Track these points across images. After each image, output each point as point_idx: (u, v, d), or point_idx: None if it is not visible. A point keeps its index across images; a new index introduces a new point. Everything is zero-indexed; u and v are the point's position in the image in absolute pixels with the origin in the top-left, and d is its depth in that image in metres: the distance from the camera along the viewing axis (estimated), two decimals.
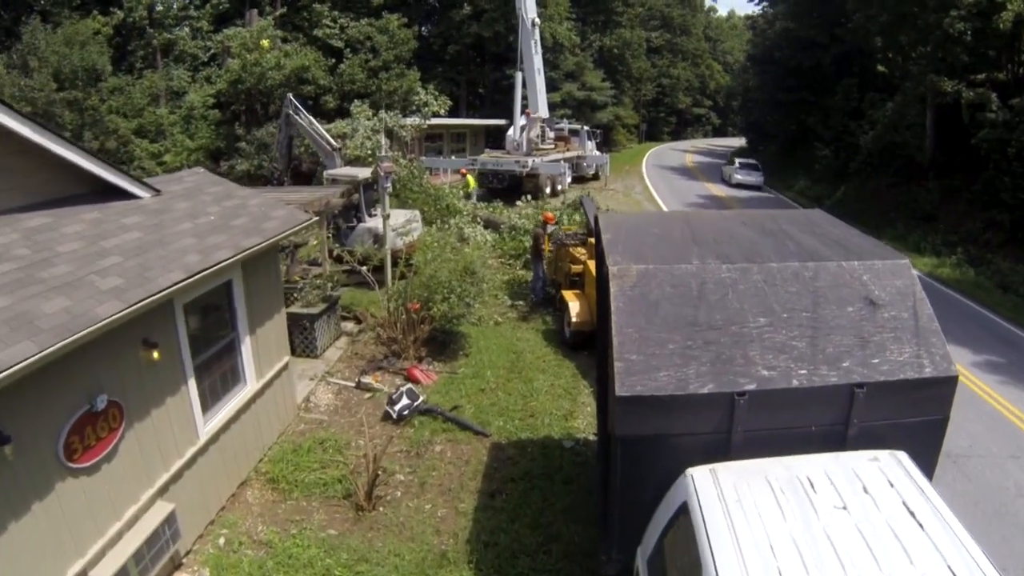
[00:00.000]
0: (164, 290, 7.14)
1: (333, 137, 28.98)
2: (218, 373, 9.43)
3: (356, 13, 45.18)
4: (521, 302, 17.20)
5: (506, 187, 33.14)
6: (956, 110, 30.94)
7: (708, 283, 6.13)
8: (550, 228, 17.29)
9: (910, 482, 5.35)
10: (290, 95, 19.64)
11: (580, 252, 15.87)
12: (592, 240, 14.77)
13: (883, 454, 5.68)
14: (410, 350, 13.65)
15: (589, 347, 14.06)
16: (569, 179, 34.89)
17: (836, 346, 5.88)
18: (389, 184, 14.75)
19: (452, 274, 13.46)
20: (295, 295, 15.22)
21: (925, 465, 5.82)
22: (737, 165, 46.84)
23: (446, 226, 24.05)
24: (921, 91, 32.47)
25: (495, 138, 45.80)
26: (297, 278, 16.44)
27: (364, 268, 14.67)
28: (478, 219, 24.58)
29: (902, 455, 5.68)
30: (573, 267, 15.72)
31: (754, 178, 44.54)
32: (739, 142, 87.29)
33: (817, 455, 5.63)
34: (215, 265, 8.03)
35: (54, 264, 6.85)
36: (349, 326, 15.63)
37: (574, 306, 14.29)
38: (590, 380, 12.93)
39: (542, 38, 39.77)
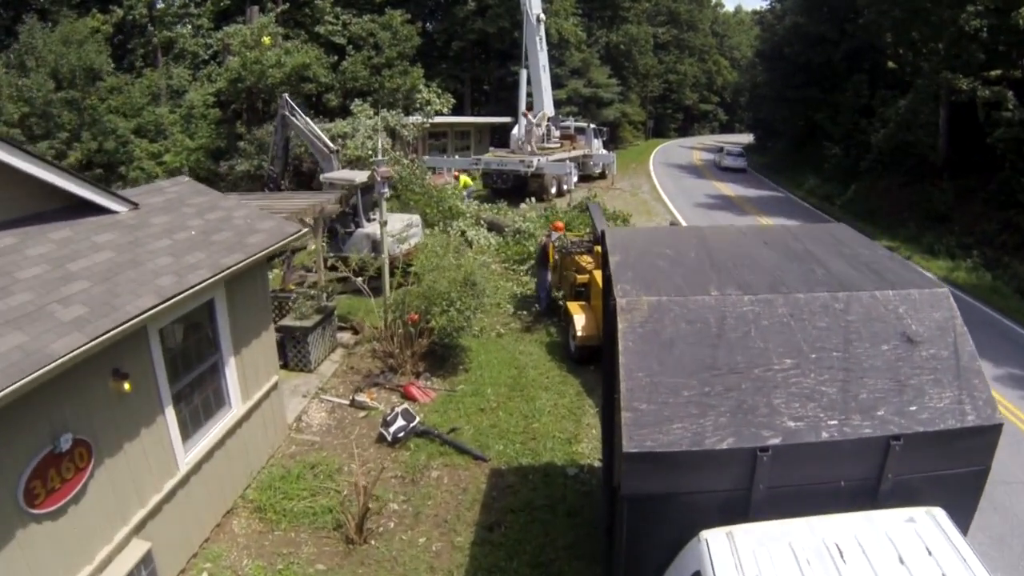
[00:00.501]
0: (131, 319, 6.60)
1: (332, 138, 28.46)
2: (200, 398, 8.89)
3: (359, 9, 44.52)
4: (525, 312, 16.58)
5: (511, 187, 32.50)
6: (970, 108, 30.25)
7: (728, 318, 5.54)
8: (555, 236, 16.55)
9: (950, 548, 4.77)
10: (286, 95, 19.00)
11: (586, 261, 15.21)
12: (599, 249, 14.17)
13: (919, 513, 5.10)
14: (407, 365, 13.09)
15: (595, 361, 13.47)
16: (575, 178, 34.14)
17: (870, 391, 5.29)
18: (386, 190, 14.13)
19: (452, 285, 12.86)
20: (289, 304, 14.69)
21: (961, 519, 5.29)
22: (725, 152, 58.09)
23: (448, 228, 23.59)
24: (934, 89, 31.79)
25: (501, 136, 45.13)
26: (292, 287, 15.89)
27: (360, 279, 14.08)
28: (481, 221, 24.03)
29: (939, 513, 5.10)
30: (578, 277, 15.03)
31: (740, 163, 55.27)
32: (746, 138, 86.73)
33: (847, 515, 5.05)
34: (190, 288, 7.48)
35: (13, 293, 6.30)
36: (345, 337, 15.08)
37: (579, 319, 13.65)
38: (595, 398, 12.35)
39: (547, 34, 39.15)
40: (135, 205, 8.83)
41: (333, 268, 17.73)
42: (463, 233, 22.84)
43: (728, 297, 5.68)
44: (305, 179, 29.68)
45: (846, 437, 5.06)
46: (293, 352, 13.38)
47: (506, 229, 23.10)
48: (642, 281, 5.95)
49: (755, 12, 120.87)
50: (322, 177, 18.11)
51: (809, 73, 48.95)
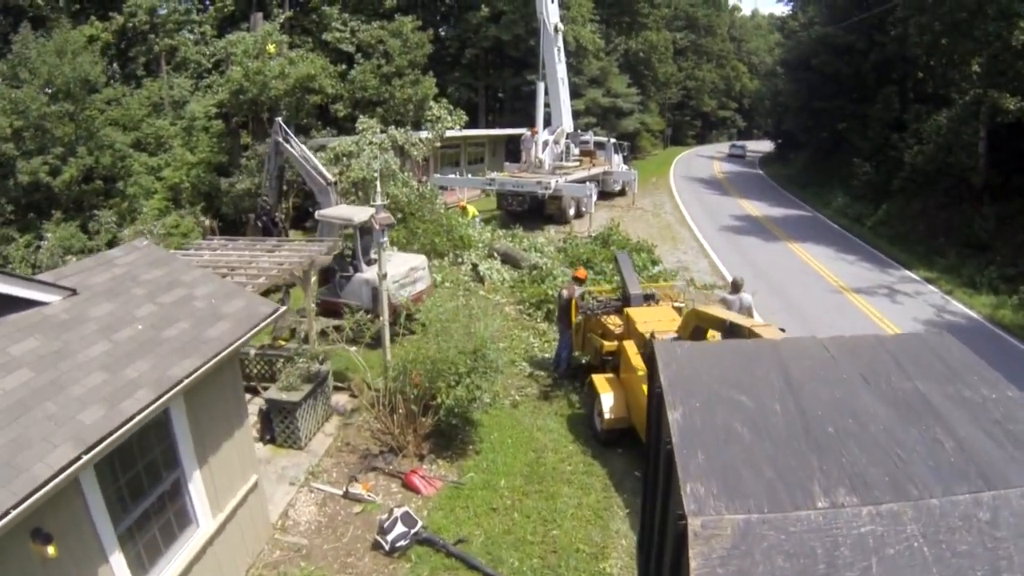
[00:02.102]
0: (37, 490, 5.04)
1: (336, 157, 26.89)
2: (157, 526, 7.36)
3: (367, 15, 42.85)
4: (542, 373, 14.86)
5: (527, 210, 30.81)
6: (1012, 128, 28.51)
7: (842, 547, 3.90)
8: (578, 291, 14.61)
9: None
10: (279, 120, 17.29)
11: (614, 323, 13.36)
12: (631, 313, 12.49)
13: None
14: (410, 446, 11.52)
15: (624, 443, 11.86)
16: (595, 198, 32.00)
17: None
18: (386, 238, 12.53)
19: (461, 356, 11.24)
20: (280, 364, 13.16)
21: None
22: (731, 145, 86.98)
23: (459, 259, 22.04)
24: (976, 107, 30.05)
25: (517, 148, 43.34)
26: (282, 342, 14.38)
27: (354, 349, 12.44)
28: (494, 253, 22.45)
29: None
30: (605, 344, 13.10)
31: (739, 151, 79.87)
32: (766, 146, 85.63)
33: None
34: (122, 426, 5.93)
35: None
36: (342, 401, 13.48)
37: (607, 399, 11.83)
38: (624, 494, 10.71)
39: (565, 42, 37.26)
40: (71, 292, 7.29)
41: (329, 313, 16.28)
42: (475, 267, 21.31)
43: (841, 512, 4.03)
44: (311, 200, 28.22)
45: None
46: (281, 427, 11.83)
47: (522, 263, 21.46)
48: (719, 475, 4.31)
49: (774, 17, 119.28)
50: (318, 214, 16.53)
51: (837, 84, 47.04)
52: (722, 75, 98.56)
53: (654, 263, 23.04)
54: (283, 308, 9.24)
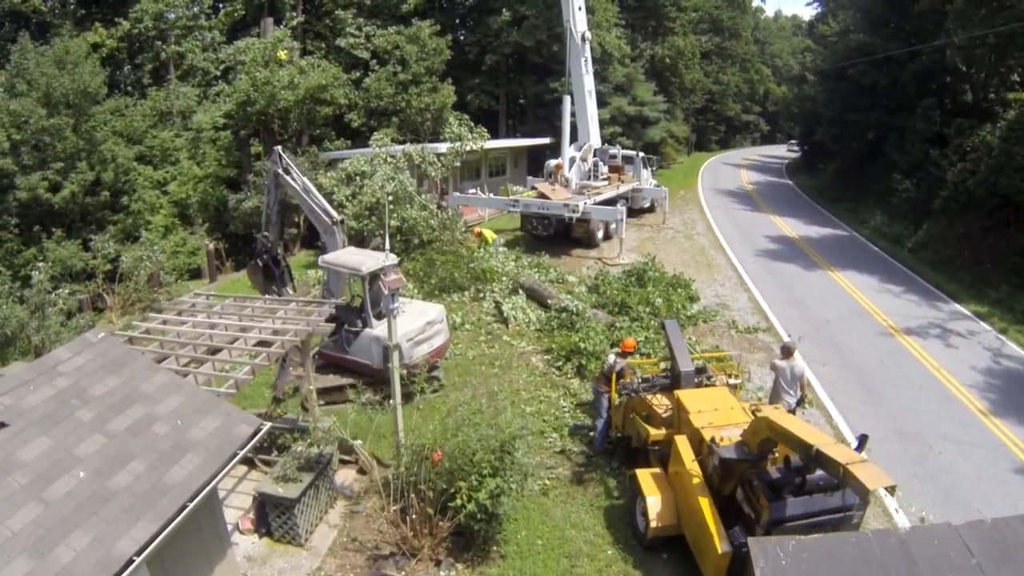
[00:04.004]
0: None
1: (349, 177, 25.33)
2: None
3: (383, 20, 41.04)
4: (574, 448, 13.12)
5: (552, 233, 28.99)
6: None
7: None
8: (618, 364, 12.68)
9: None
10: (278, 148, 15.54)
11: (660, 404, 11.55)
12: (682, 398, 10.74)
13: None
14: (425, 549, 9.91)
15: (670, 548, 10.17)
16: (625, 220, 29.54)
17: None
18: (397, 304, 10.88)
19: (485, 451, 9.62)
20: (280, 442, 11.66)
21: None
22: (788, 144, 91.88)
23: (481, 295, 20.43)
24: None
25: (539, 160, 41.36)
26: (281, 412, 12.79)
27: (359, 442, 10.79)
28: (519, 289, 20.79)
29: None
30: (651, 432, 10.95)
31: (796, 151, 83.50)
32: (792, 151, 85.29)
33: None
34: None
35: None
36: (348, 479, 11.87)
37: (653, 502, 10.03)
38: None
39: (590, 49, 35.14)
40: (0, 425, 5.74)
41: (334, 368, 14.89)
42: (497, 305, 19.66)
43: None
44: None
45: None
46: (277, 522, 10.27)
47: (549, 302, 19.63)
48: None
49: (800, 20, 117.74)
50: (320, 261, 14.89)
51: (873, 95, 44.93)
52: (746, 78, 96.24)
53: (692, 300, 21.29)
54: (267, 425, 7.62)
